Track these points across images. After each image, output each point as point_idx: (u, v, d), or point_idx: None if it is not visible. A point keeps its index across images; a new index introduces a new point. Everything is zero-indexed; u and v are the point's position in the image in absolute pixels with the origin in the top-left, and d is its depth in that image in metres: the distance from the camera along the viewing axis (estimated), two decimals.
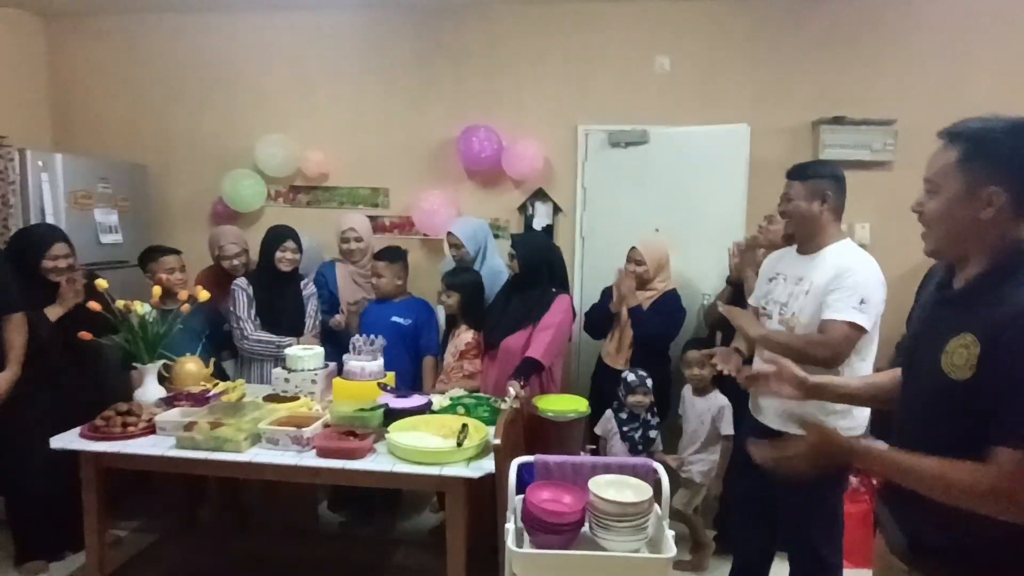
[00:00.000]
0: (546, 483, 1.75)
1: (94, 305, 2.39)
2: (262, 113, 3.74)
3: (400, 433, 2.12)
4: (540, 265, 2.77)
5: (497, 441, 1.95)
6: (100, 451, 2.10)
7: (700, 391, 2.82)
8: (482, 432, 2.14)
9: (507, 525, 1.62)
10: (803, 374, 1.55)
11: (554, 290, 2.75)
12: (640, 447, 2.71)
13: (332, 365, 2.79)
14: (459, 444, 2.00)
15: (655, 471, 1.75)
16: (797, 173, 2.15)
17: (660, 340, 2.97)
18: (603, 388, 2.99)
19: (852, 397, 1.64)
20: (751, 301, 2.40)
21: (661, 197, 3.33)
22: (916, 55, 3.40)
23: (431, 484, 2.02)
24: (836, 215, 2.10)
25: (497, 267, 3.12)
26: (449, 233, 3.11)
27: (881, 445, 1.36)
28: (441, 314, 3.09)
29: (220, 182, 3.64)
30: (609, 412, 2.81)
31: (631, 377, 2.74)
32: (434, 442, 2.09)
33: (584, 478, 1.76)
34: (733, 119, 3.27)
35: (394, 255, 3.06)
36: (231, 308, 2.96)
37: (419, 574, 2.80)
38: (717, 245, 3.22)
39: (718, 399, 2.78)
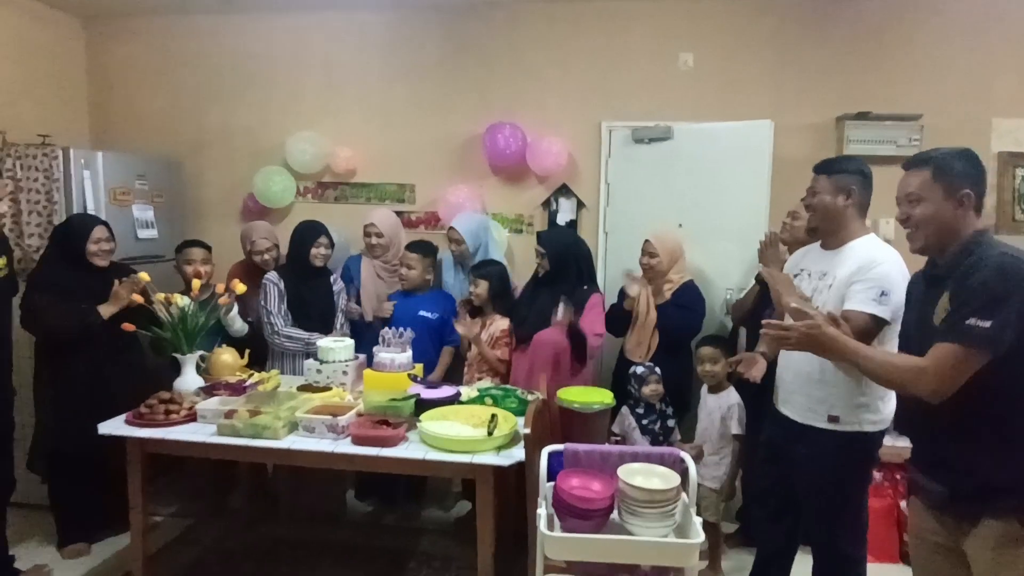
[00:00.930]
0: (575, 471, 1.81)
1: (137, 298, 2.49)
2: (292, 111, 3.83)
3: (432, 422, 2.19)
4: (568, 260, 2.83)
5: (527, 431, 2.00)
6: (145, 437, 2.19)
7: (713, 388, 2.77)
8: (511, 422, 2.20)
9: (539, 511, 1.67)
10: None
11: (586, 287, 2.82)
12: (661, 438, 2.72)
13: (362, 357, 2.86)
14: (489, 433, 2.06)
15: (682, 460, 1.80)
16: (824, 167, 2.16)
17: (684, 333, 2.98)
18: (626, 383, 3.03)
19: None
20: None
21: (684, 193, 3.36)
22: (941, 50, 3.39)
23: (462, 471, 2.08)
24: (861, 211, 2.11)
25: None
26: (450, 228, 3.19)
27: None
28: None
29: (251, 178, 3.73)
30: (625, 409, 2.79)
31: (640, 370, 2.74)
32: (465, 431, 2.15)
33: (612, 467, 1.81)
34: (756, 115, 3.29)
35: (427, 249, 3.15)
36: (262, 303, 3.03)
37: (444, 561, 2.87)
38: (740, 241, 3.25)
39: (730, 397, 2.73)
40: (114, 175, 3.27)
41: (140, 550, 2.30)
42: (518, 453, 2.04)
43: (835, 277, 2.06)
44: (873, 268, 1.97)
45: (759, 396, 2.55)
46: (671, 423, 2.78)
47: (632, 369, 2.78)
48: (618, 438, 2.76)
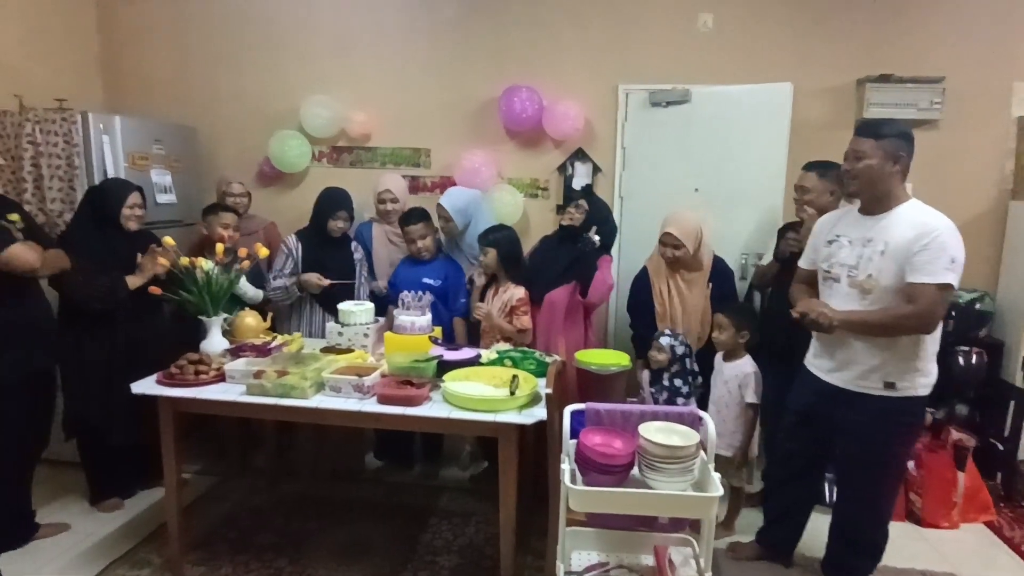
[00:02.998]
0: (597, 429, 1.86)
1: (163, 262, 2.53)
2: (306, 74, 3.80)
3: (455, 382, 2.24)
4: (599, 224, 2.86)
5: (548, 391, 2.06)
6: (177, 396, 2.26)
7: (728, 356, 2.70)
8: (532, 383, 2.25)
9: (562, 466, 1.73)
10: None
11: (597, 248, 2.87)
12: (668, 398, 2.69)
13: (382, 320, 2.91)
14: (512, 393, 2.12)
15: (700, 419, 1.85)
16: (870, 131, 2.06)
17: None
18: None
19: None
20: (804, 264, 2.37)
21: (701, 157, 3.35)
22: (964, 11, 3.32)
23: (485, 430, 2.14)
24: (904, 176, 2.07)
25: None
26: (439, 205, 3.16)
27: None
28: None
29: (266, 143, 3.73)
30: (646, 373, 2.82)
31: (655, 334, 2.75)
32: (488, 391, 2.21)
33: (632, 425, 1.87)
34: (776, 78, 3.25)
35: (422, 214, 3.10)
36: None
37: (464, 517, 2.97)
38: (757, 206, 3.26)
39: (745, 366, 2.65)
40: (132, 140, 3.29)
41: (175, 504, 2.39)
42: (540, 412, 2.10)
43: (886, 243, 2.02)
44: (934, 236, 1.94)
45: (782, 360, 2.59)
46: (680, 401, 2.69)
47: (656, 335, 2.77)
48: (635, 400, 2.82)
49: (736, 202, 3.29)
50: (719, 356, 2.75)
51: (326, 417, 2.20)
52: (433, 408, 2.15)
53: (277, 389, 2.21)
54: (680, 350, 2.71)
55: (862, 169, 2.05)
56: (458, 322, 3.15)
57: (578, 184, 3.63)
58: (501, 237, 2.95)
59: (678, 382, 2.72)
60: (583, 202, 2.93)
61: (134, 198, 2.76)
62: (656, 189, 3.45)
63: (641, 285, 2.97)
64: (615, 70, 3.54)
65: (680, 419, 1.86)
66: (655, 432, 1.77)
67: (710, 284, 2.87)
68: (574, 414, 1.90)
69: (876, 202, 2.09)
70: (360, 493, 3.21)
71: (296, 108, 3.73)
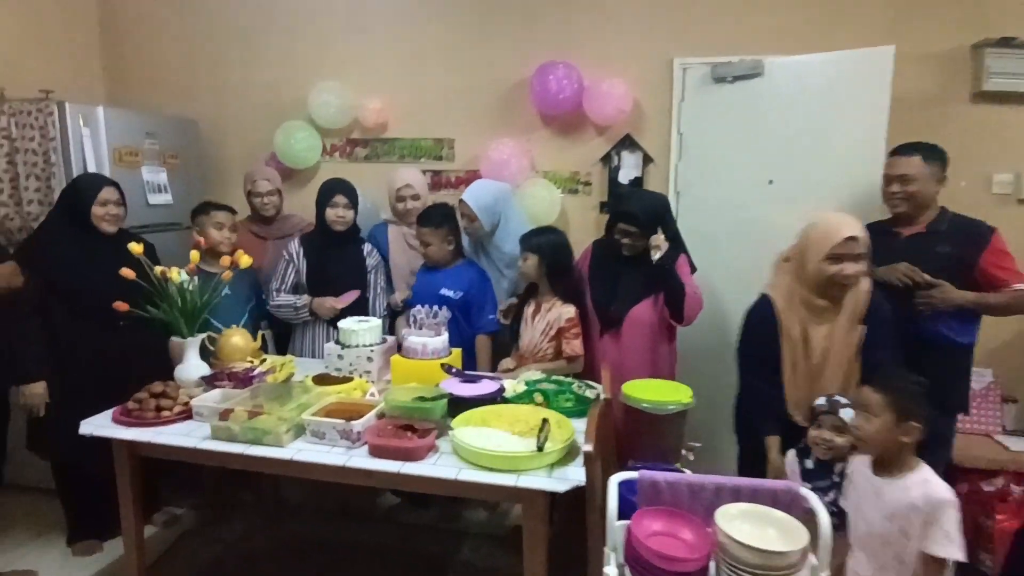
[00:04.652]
0: (656, 510, 1.35)
1: (127, 272, 2.13)
2: (316, 58, 3.39)
3: (466, 429, 1.76)
4: (657, 225, 2.32)
5: (588, 448, 1.54)
6: (131, 439, 1.85)
7: (886, 464, 1.56)
8: (566, 431, 1.75)
9: (607, 569, 1.23)
10: None
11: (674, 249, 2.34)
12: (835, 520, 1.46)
13: (390, 339, 2.46)
14: (540, 447, 1.61)
15: (805, 500, 1.31)
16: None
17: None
18: None
19: None
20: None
21: (776, 141, 2.76)
22: None
23: (505, 495, 1.65)
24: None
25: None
26: (461, 201, 2.67)
27: None
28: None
29: (273, 136, 3.33)
30: (792, 453, 1.89)
31: (821, 401, 1.78)
32: (508, 442, 1.71)
33: (704, 504, 1.35)
34: (870, 42, 2.63)
35: (439, 218, 2.62)
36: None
37: (489, 573, 2.50)
38: (847, 198, 2.65)
39: (926, 485, 1.48)
40: (119, 133, 2.92)
41: (136, 567, 1.99)
42: (576, 474, 1.59)
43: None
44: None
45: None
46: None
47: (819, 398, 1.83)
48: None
49: (819, 195, 2.69)
50: (861, 462, 1.64)
51: (304, 471, 1.74)
52: (439, 464, 1.67)
53: (246, 434, 1.77)
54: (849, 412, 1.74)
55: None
56: (482, 341, 2.64)
57: (625, 177, 3.09)
58: (546, 242, 2.43)
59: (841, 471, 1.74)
60: (632, 228, 2.32)
61: (107, 194, 2.38)
62: (720, 182, 2.88)
63: (762, 321, 2.06)
64: (669, 41, 2.98)
65: (774, 499, 1.33)
66: (739, 522, 1.24)
67: (863, 327, 1.96)
68: (623, 485, 1.39)
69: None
70: (370, 536, 2.78)
71: (305, 97, 3.32)
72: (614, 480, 1.37)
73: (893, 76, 2.55)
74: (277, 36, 3.44)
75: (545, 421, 1.76)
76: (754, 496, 1.33)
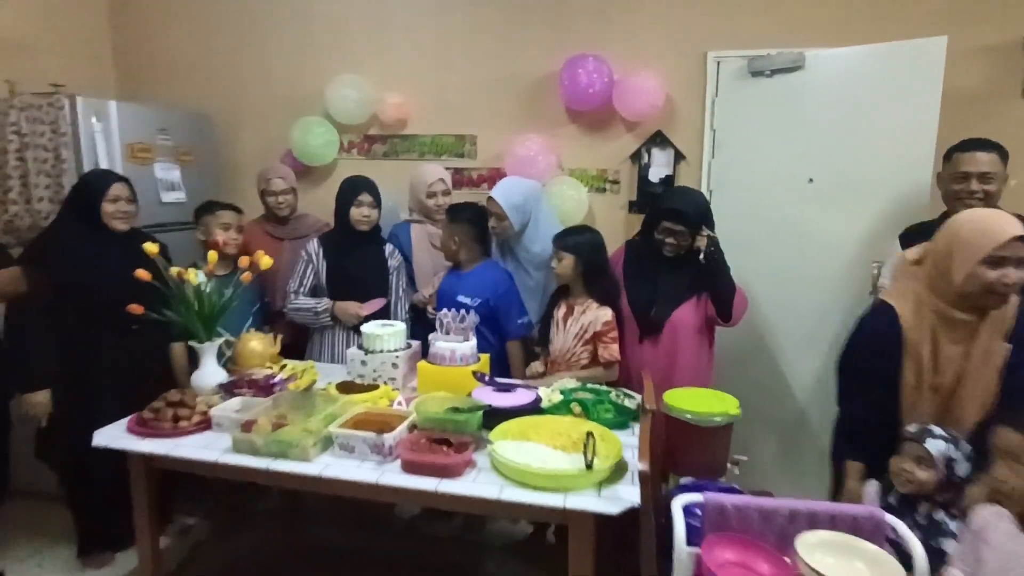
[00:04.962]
0: (726, 537, 1.23)
1: (143, 274, 2.02)
2: (334, 52, 3.28)
3: (507, 443, 1.64)
4: (704, 219, 2.22)
5: (644, 467, 1.42)
6: (148, 452, 1.73)
7: None
8: (613, 445, 1.63)
9: None
10: None
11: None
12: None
13: (415, 344, 2.34)
14: (589, 465, 1.49)
15: (890, 529, 1.19)
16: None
17: None
18: None
19: None
20: None
21: (817, 138, 2.64)
22: None
23: (551, 516, 1.53)
24: None
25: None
26: (490, 199, 2.51)
27: None
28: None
29: (290, 132, 3.22)
30: (872, 484, 1.65)
31: (912, 428, 1.59)
32: (552, 457, 1.59)
33: (776, 530, 1.23)
34: (918, 33, 2.51)
35: (470, 214, 2.50)
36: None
37: None
38: (893, 199, 2.54)
39: None
40: (132, 129, 2.82)
41: None
42: (628, 494, 1.47)
43: None
44: None
45: None
46: (945, 543, 1.41)
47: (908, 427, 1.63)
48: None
49: (864, 195, 2.58)
50: (997, 515, 1.32)
51: (332, 488, 1.63)
52: (478, 481, 1.56)
53: (271, 447, 1.66)
54: (962, 468, 1.49)
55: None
56: (514, 347, 2.52)
57: (656, 175, 2.97)
58: (583, 241, 2.30)
59: (940, 515, 1.48)
60: (679, 227, 2.21)
61: (117, 190, 2.27)
62: (755, 180, 2.76)
63: (880, 335, 1.74)
64: (703, 33, 2.86)
65: (854, 527, 1.21)
66: (822, 553, 1.12)
67: (1008, 345, 1.66)
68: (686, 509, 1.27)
69: None
70: (389, 546, 2.67)
71: (322, 91, 3.21)
72: (679, 503, 1.25)
73: (945, 70, 2.43)
74: (294, 28, 3.33)
75: (590, 435, 1.65)
76: (832, 523, 1.21)
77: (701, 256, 2.15)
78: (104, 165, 2.68)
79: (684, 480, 1.73)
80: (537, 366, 2.40)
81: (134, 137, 2.83)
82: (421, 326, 2.55)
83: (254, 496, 2.84)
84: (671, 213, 2.20)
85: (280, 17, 3.34)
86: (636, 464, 1.60)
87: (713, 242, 2.16)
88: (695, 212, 2.19)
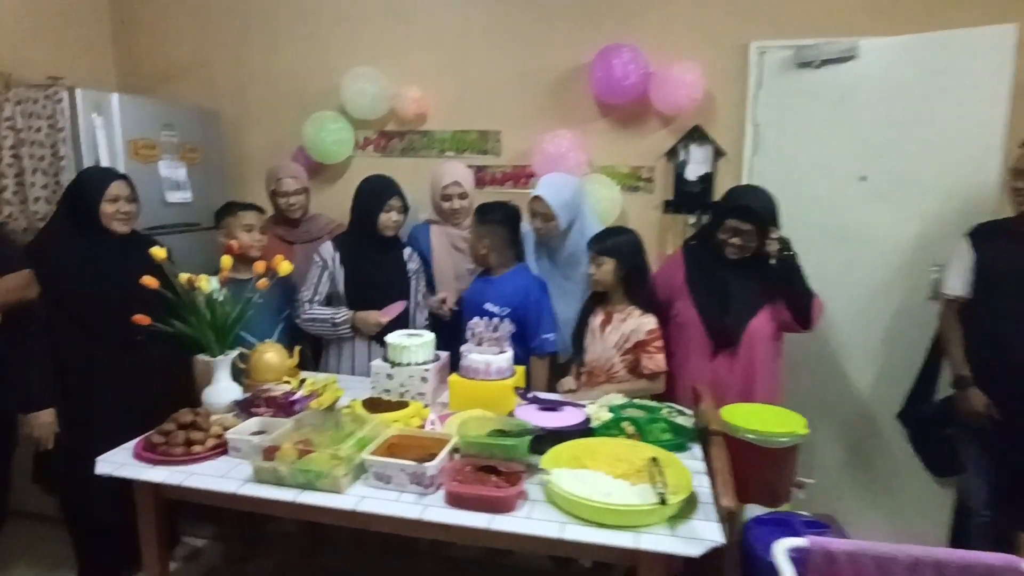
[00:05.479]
0: None
1: (150, 281, 1.84)
2: (349, 43, 3.09)
3: (563, 472, 1.46)
4: (772, 223, 2.06)
5: (729, 503, 1.24)
6: (158, 481, 1.55)
7: None
8: (681, 473, 1.45)
9: None
10: None
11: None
12: None
13: (444, 356, 2.17)
14: (663, 499, 1.31)
15: None
16: None
17: None
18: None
19: None
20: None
21: (870, 133, 2.47)
22: None
23: (619, 558, 1.35)
24: None
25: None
26: (535, 198, 2.31)
27: None
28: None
29: (302, 128, 3.04)
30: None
31: None
32: (615, 488, 1.42)
33: None
34: (982, 19, 2.34)
35: (501, 215, 2.32)
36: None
37: None
38: (956, 197, 2.37)
39: None
40: (135, 124, 2.63)
41: None
42: (708, 532, 1.29)
43: None
44: None
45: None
46: None
47: None
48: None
49: (922, 194, 2.41)
50: None
51: (368, 523, 1.45)
52: (534, 516, 1.37)
53: (297, 477, 1.48)
54: None
55: None
56: (538, 364, 2.33)
57: (693, 173, 2.79)
58: (624, 243, 2.14)
59: None
60: (745, 226, 2.04)
61: (117, 189, 2.09)
62: (802, 178, 2.59)
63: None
64: (745, 22, 2.68)
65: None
66: None
67: None
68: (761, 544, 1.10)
69: None
70: (414, 571, 2.50)
71: (336, 86, 3.02)
72: (782, 547, 1.08)
73: (1015, 59, 2.26)
74: (306, 17, 3.14)
75: (654, 461, 1.47)
76: (965, 573, 1.04)
77: (772, 259, 1.98)
78: (105, 162, 2.49)
79: (757, 512, 1.55)
80: (568, 382, 2.22)
81: (137, 133, 2.64)
82: (439, 334, 2.37)
83: (268, 516, 2.65)
84: (737, 210, 2.03)
85: (292, 5, 3.16)
86: (708, 494, 1.44)
87: (784, 243, 2.00)
88: (763, 210, 2.03)
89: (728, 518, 1.24)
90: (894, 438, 2.44)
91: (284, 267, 1.96)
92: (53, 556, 2.46)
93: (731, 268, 2.09)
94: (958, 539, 2.25)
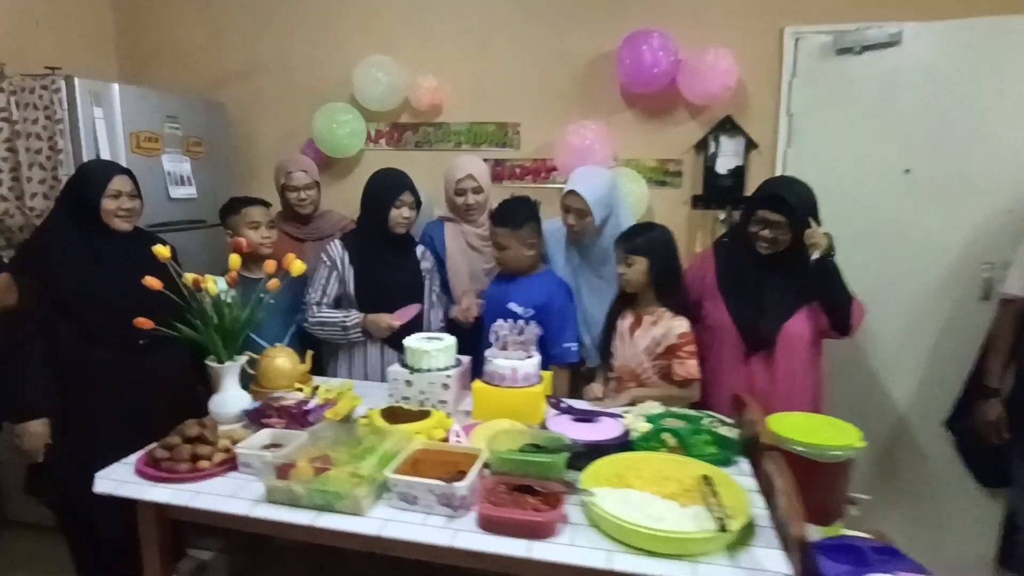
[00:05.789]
0: None
1: (153, 282, 1.71)
2: (362, 31, 2.96)
3: (607, 491, 1.33)
4: (809, 217, 1.92)
5: (802, 531, 1.11)
6: (163, 501, 1.42)
7: None
8: (737, 495, 1.32)
9: None
10: None
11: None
12: None
13: (466, 360, 2.03)
14: (723, 526, 1.18)
15: None
16: None
17: None
18: None
19: None
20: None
21: (915, 124, 2.34)
22: None
23: None
24: None
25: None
26: (569, 193, 2.16)
27: None
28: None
29: (311, 120, 2.91)
30: None
31: None
32: (666, 511, 1.28)
33: None
34: None
35: (521, 215, 2.16)
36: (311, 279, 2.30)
37: None
38: (1005, 193, 2.24)
39: None
40: (136, 116, 2.51)
41: None
42: (772, 562, 1.16)
43: None
44: None
45: None
46: None
47: None
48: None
49: (970, 189, 2.28)
50: None
51: (392, 548, 1.32)
52: (577, 542, 1.24)
53: (314, 497, 1.35)
54: None
55: None
56: (560, 375, 2.18)
57: (724, 167, 2.65)
58: (656, 240, 2.01)
59: None
60: (776, 217, 1.91)
61: (119, 184, 1.96)
62: (840, 171, 2.45)
63: None
64: (779, 5, 2.54)
65: None
66: None
67: None
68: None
69: None
70: None
71: (348, 76, 2.89)
72: None
73: None
74: (317, 5, 3.01)
75: (707, 480, 1.34)
76: None
77: (814, 258, 1.84)
78: (105, 156, 2.37)
79: (824, 537, 1.42)
80: (595, 388, 2.09)
81: (139, 125, 2.52)
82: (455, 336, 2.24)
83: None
84: (770, 200, 1.90)
85: None
86: (764, 516, 1.31)
87: (820, 244, 1.86)
88: (797, 201, 1.89)
89: (799, 548, 1.11)
90: (938, 450, 2.32)
91: (296, 267, 1.83)
92: (52, 566, 2.35)
93: (765, 267, 1.96)
94: (1007, 556, 2.12)
